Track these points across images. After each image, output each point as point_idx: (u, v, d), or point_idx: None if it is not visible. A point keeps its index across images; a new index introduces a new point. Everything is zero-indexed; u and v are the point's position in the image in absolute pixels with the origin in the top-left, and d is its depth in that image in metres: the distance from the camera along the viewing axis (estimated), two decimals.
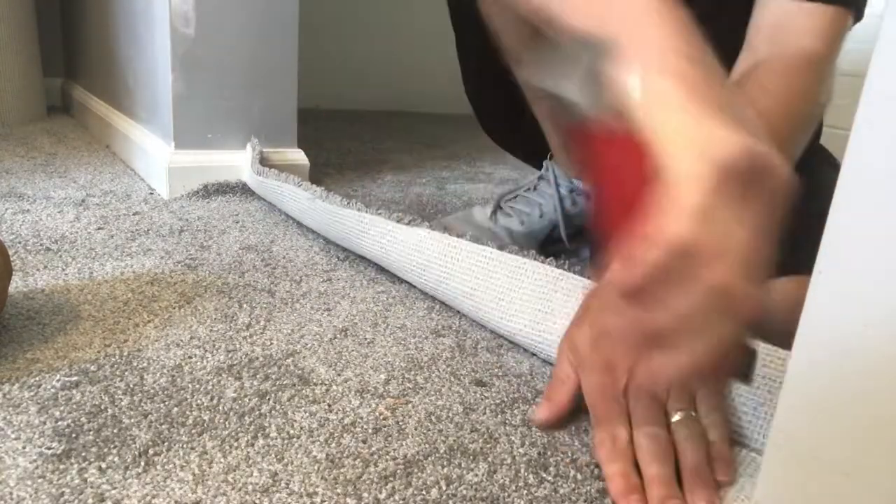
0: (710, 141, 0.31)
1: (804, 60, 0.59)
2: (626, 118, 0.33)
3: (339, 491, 0.41)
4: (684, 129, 0.32)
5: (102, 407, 0.47)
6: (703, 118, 0.32)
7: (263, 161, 1.08)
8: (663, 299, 0.32)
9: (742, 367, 0.43)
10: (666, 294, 0.32)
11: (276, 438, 0.46)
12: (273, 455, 0.44)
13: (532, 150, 0.99)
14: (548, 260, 0.63)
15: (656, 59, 0.34)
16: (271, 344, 0.59)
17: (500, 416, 0.52)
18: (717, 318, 0.33)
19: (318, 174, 1.27)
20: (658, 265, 0.30)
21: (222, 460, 0.43)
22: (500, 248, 0.66)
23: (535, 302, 0.61)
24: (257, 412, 0.49)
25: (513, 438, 0.49)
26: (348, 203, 0.78)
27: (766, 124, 0.57)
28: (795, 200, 0.60)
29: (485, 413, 0.52)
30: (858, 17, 0.62)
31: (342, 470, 0.43)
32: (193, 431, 0.46)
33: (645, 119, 0.33)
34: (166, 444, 0.44)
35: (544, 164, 0.93)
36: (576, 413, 0.53)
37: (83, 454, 0.42)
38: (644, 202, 0.32)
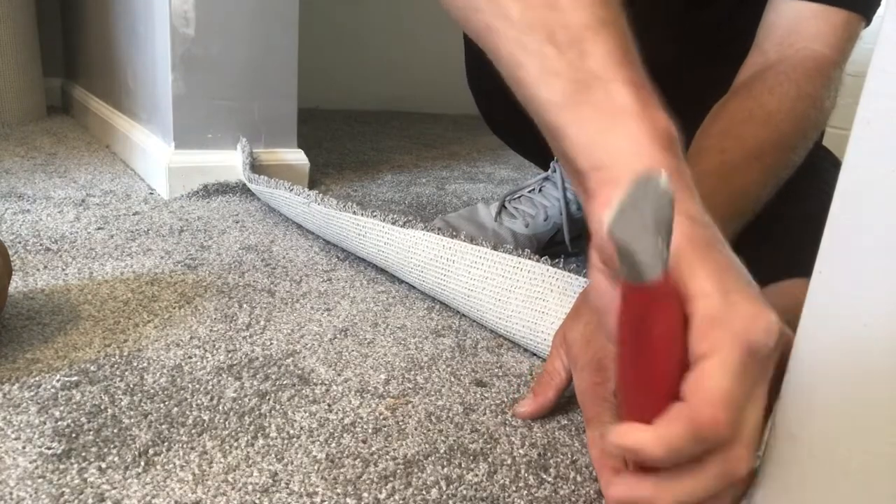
0: (739, 322, 0.30)
1: (813, 65, 0.59)
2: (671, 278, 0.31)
3: (339, 491, 0.41)
4: (712, 302, 0.30)
5: (102, 407, 0.47)
6: (740, 298, 0.31)
7: (256, 162, 1.08)
8: (668, 479, 0.31)
9: None
10: (675, 471, 0.31)
11: (276, 438, 0.46)
12: (273, 455, 0.44)
13: (537, 148, 0.99)
14: (543, 259, 0.63)
15: (689, 233, 0.32)
16: (271, 344, 0.59)
17: (500, 416, 0.52)
18: (720, 499, 0.32)
19: (318, 174, 1.27)
20: (680, 446, 0.29)
21: (222, 460, 0.43)
22: (495, 247, 0.66)
23: (532, 302, 0.61)
24: (257, 412, 0.49)
25: (513, 439, 0.49)
26: (344, 206, 0.78)
27: (770, 127, 0.57)
28: (797, 200, 0.59)
29: (485, 413, 0.52)
30: (868, 21, 0.62)
31: (342, 470, 0.43)
32: (193, 431, 0.46)
33: (683, 287, 0.31)
34: (166, 444, 0.44)
35: (552, 164, 0.93)
36: (575, 413, 0.53)
37: (83, 454, 0.42)
38: (676, 373, 0.30)
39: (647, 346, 0.30)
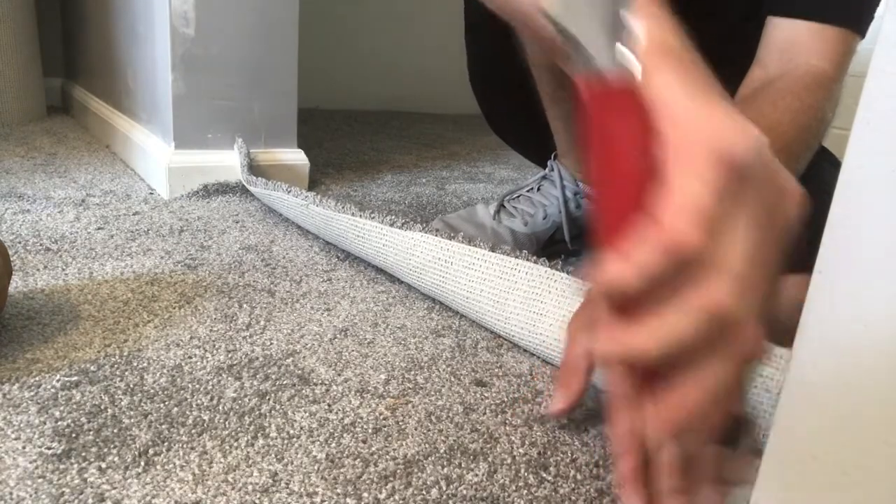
0: (721, 133, 0.27)
1: (813, 79, 0.61)
2: (637, 82, 0.28)
3: (339, 491, 0.41)
4: (692, 113, 0.27)
5: (102, 407, 0.47)
6: (713, 106, 0.28)
7: (256, 162, 1.08)
8: (649, 319, 0.28)
9: (731, 432, 0.37)
10: (654, 311, 0.27)
11: (276, 438, 0.46)
12: (273, 455, 0.44)
13: (536, 147, 0.99)
14: (540, 260, 0.63)
15: (650, 46, 0.29)
16: (271, 344, 0.59)
17: (500, 416, 0.52)
18: (711, 353, 0.28)
19: (318, 174, 1.27)
20: (652, 269, 0.26)
21: (222, 460, 0.43)
22: (492, 248, 0.65)
23: (530, 304, 0.61)
24: (257, 412, 0.49)
25: (513, 438, 0.49)
26: (343, 207, 0.78)
27: (774, 137, 0.58)
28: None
29: (485, 413, 0.52)
30: (862, 36, 0.65)
31: (342, 470, 0.43)
32: (193, 431, 0.46)
33: (650, 93, 0.28)
34: (166, 444, 0.44)
35: (549, 163, 0.93)
36: (575, 412, 0.53)
37: (83, 454, 0.42)
38: (644, 186, 0.27)
39: (613, 155, 0.27)
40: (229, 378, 0.53)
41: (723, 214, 0.27)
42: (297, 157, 1.16)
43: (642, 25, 0.28)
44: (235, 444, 0.45)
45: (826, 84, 0.61)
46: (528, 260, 0.63)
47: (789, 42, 0.63)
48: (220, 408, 0.49)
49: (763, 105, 0.59)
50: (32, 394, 0.48)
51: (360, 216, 0.75)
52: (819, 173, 0.65)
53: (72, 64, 1.70)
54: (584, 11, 0.24)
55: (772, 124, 0.58)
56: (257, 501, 0.40)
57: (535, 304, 0.60)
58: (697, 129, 0.27)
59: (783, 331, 0.52)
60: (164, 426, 0.46)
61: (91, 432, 0.44)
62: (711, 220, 0.26)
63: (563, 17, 0.24)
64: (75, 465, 0.41)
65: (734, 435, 0.40)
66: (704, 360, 0.28)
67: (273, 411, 0.49)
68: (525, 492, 0.43)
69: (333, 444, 0.46)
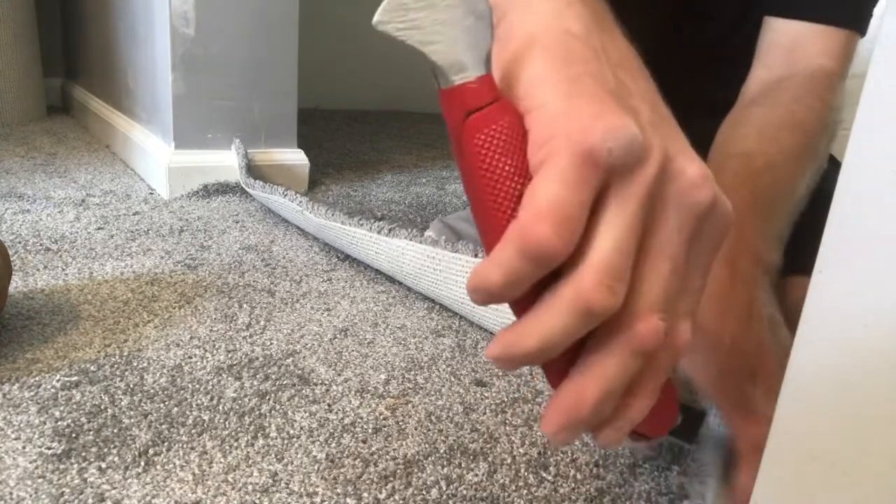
0: (584, 125, 0.25)
1: (825, 77, 0.62)
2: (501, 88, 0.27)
3: (339, 491, 0.41)
4: (558, 107, 0.26)
5: (102, 407, 0.47)
6: (582, 98, 0.26)
7: (256, 162, 1.08)
8: (527, 318, 0.27)
9: (686, 426, 0.38)
10: (533, 308, 0.27)
11: (276, 438, 0.46)
12: (273, 455, 0.44)
13: None
14: None
15: (536, 31, 0.28)
16: (271, 344, 0.59)
17: (500, 416, 0.52)
18: (601, 347, 0.27)
19: (318, 174, 1.27)
20: (514, 269, 0.25)
21: (222, 460, 0.43)
22: (476, 254, 0.65)
23: None
24: (257, 412, 0.49)
25: (513, 438, 0.49)
26: (332, 215, 0.77)
27: (803, 133, 0.58)
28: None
29: (485, 413, 0.52)
30: (863, 35, 0.66)
31: (342, 470, 0.43)
32: (193, 431, 0.46)
33: (512, 89, 0.27)
34: (166, 444, 0.44)
35: None
36: None
37: (83, 454, 0.42)
38: (515, 190, 0.26)
39: (475, 166, 0.26)
40: (229, 378, 0.53)
41: (582, 209, 0.25)
42: (297, 157, 1.16)
43: (544, 38, 0.28)
44: (235, 444, 0.45)
45: (835, 83, 0.62)
46: None
47: (793, 43, 0.63)
48: (220, 408, 0.49)
49: (787, 102, 0.59)
50: (32, 394, 0.48)
51: (350, 224, 0.74)
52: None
53: (72, 64, 1.70)
54: (427, 17, 0.23)
55: (800, 122, 0.58)
56: (257, 501, 0.40)
57: None
58: (561, 124, 0.26)
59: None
60: (164, 426, 0.46)
61: (91, 432, 0.44)
62: (568, 215, 0.25)
63: (398, 27, 0.22)
64: (75, 465, 0.41)
65: (691, 428, 0.41)
66: (594, 354, 0.27)
67: (273, 411, 0.49)
68: (525, 492, 0.43)
69: (333, 444, 0.46)
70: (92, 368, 0.52)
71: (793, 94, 0.60)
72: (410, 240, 0.69)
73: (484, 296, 0.26)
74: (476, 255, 0.65)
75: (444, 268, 0.66)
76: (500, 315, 0.62)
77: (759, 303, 0.47)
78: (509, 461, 0.46)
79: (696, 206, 0.27)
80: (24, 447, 0.42)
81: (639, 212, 0.26)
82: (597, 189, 0.25)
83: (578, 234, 0.25)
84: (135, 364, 0.53)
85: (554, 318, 0.26)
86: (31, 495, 0.38)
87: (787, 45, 0.64)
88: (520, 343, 0.27)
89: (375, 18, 0.22)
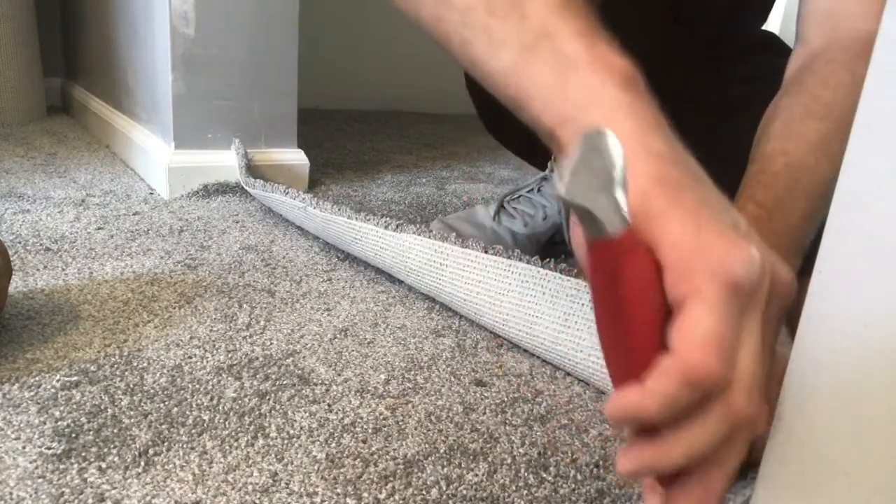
0: (721, 258, 0.28)
1: (862, 45, 0.56)
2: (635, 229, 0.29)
3: (339, 491, 0.41)
4: (691, 242, 0.29)
5: (102, 407, 0.47)
6: (709, 230, 0.29)
7: (255, 162, 1.08)
8: (672, 434, 0.29)
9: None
10: (675, 426, 0.29)
11: (276, 438, 0.46)
12: (273, 455, 0.44)
13: (534, 149, 0.99)
14: (533, 260, 0.62)
15: (637, 164, 0.30)
16: (271, 344, 0.59)
17: (500, 416, 0.52)
18: (731, 446, 0.30)
19: (318, 174, 1.27)
20: (674, 399, 0.27)
21: (222, 460, 0.43)
22: (485, 249, 0.65)
23: (525, 306, 0.60)
24: (257, 412, 0.49)
25: (513, 438, 0.49)
26: (339, 209, 0.77)
27: (831, 119, 0.56)
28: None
29: (485, 413, 0.52)
30: None
31: (342, 470, 0.43)
32: (193, 431, 0.46)
33: (649, 230, 0.29)
34: (166, 444, 0.44)
35: (549, 164, 0.93)
36: (575, 412, 0.53)
37: (83, 454, 0.42)
38: (656, 321, 0.29)
39: (623, 302, 0.29)
40: (229, 378, 0.53)
41: (734, 335, 0.28)
42: (297, 157, 1.16)
43: (642, 163, 0.30)
44: (235, 444, 0.45)
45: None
46: (521, 261, 0.63)
47: (830, 9, 0.59)
48: (220, 408, 0.49)
49: (814, 87, 0.56)
50: (32, 394, 0.48)
51: (356, 219, 0.74)
52: None
53: (72, 64, 1.70)
54: (593, 183, 0.26)
55: (826, 106, 0.55)
56: (257, 501, 0.40)
57: (530, 307, 0.60)
58: (699, 257, 0.28)
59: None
60: (164, 426, 0.46)
61: (91, 432, 0.44)
62: (726, 345, 0.28)
63: (579, 196, 0.26)
64: (75, 465, 0.41)
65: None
66: (721, 453, 0.30)
67: (273, 411, 0.49)
68: (525, 492, 0.43)
69: (333, 444, 0.46)
70: (92, 368, 0.52)
71: (823, 74, 0.56)
72: (417, 235, 0.69)
73: (633, 421, 0.29)
74: (486, 252, 0.64)
75: (451, 263, 0.66)
76: (501, 313, 0.62)
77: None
78: (509, 461, 0.46)
79: (786, 303, 0.31)
80: (24, 447, 0.42)
81: (761, 322, 0.30)
82: (741, 313, 0.29)
83: (735, 359, 0.28)
84: (135, 364, 0.53)
85: (703, 432, 0.29)
86: (31, 495, 0.38)
87: (822, 12, 0.60)
88: (666, 456, 0.29)
89: (558, 192, 0.25)
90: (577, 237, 0.32)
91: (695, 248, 0.28)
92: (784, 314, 0.32)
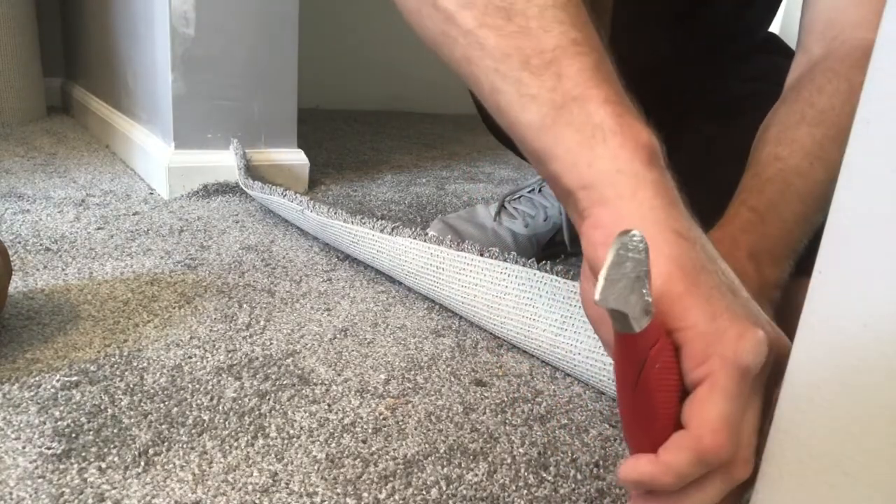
0: (728, 346, 0.31)
1: (860, 53, 0.57)
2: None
3: (339, 491, 0.41)
4: (700, 330, 0.31)
5: (102, 407, 0.47)
6: (717, 318, 0.32)
7: (255, 162, 1.08)
8: (675, 497, 0.33)
9: None
10: (681, 489, 0.32)
11: (276, 438, 0.46)
12: (273, 455, 0.44)
13: None
14: (529, 262, 0.62)
15: (653, 237, 0.33)
16: (271, 344, 0.59)
17: (500, 416, 0.52)
18: (724, 500, 0.34)
19: (318, 174, 1.27)
20: (686, 472, 0.31)
21: (222, 460, 0.43)
22: (481, 252, 0.65)
23: (523, 308, 0.60)
24: (257, 412, 0.49)
25: (513, 438, 0.49)
26: (335, 213, 0.77)
27: (826, 125, 0.56)
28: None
29: (485, 413, 0.52)
30: None
31: (342, 470, 0.43)
32: (193, 431, 0.46)
33: (660, 311, 0.32)
34: (166, 444, 0.44)
35: None
36: (575, 412, 0.53)
37: (83, 454, 0.42)
38: (673, 399, 0.32)
39: (646, 384, 0.32)
40: (229, 378, 0.53)
41: (741, 414, 0.31)
42: (297, 157, 1.16)
43: (663, 242, 0.33)
44: (235, 444, 0.45)
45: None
46: (517, 263, 0.62)
47: (830, 18, 0.60)
48: (220, 408, 0.49)
49: (810, 94, 0.56)
50: (32, 394, 0.48)
51: (352, 222, 0.74)
52: None
53: (72, 64, 1.70)
54: (625, 285, 0.28)
55: (821, 112, 0.55)
56: (257, 501, 0.40)
57: (527, 309, 0.60)
58: (714, 344, 0.31)
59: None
60: (164, 426, 0.46)
61: (91, 432, 0.44)
62: (735, 426, 0.31)
63: (613, 301, 0.28)
64: (75, 465, 0.41)
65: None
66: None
67: (273, 411, 0.49)
68: (525, 492, 0.43)
69: (333, 444, 0.46)
70: (92, 368, 0.52)
71: (819, 81, 0.57)
72: (414, 238, 0.69)
73: (646, 489, 0.32)
74: (482, 255, 0.64)
75: (448, 266, 0.66)
76: (499, 316, 0.62)
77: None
78: (509, 461, 0.46)
79: (782, 368, 0.32)
80: (24, 447, 0.42)
81: (763, 393, 0.33)
82: (749, 392, 0.32)
83: (741, 437, 0.32)
84: (135, 364, 0.53)
85: (706, 494, 0.32)
86: (31, 495, 0.38)
87: (823, 21, 0.60)
88: None
89: (598, 298, 0.27)
90: (587, 295, 0.36)
91: (710, 334, 0.31)
92: (780, 376, 0.35)
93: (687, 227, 0.34)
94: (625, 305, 0.28)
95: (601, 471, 0.46)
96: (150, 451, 0.43)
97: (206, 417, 0.47)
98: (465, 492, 0.42)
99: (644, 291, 0.29)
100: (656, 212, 0.34)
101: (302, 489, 0.41)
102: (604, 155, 0.35)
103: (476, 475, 0.44)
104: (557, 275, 0.60)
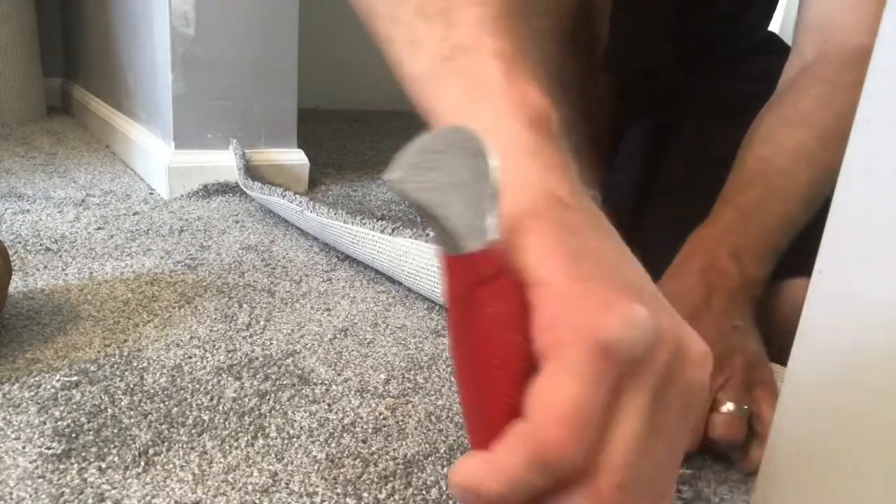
0: (599, 318, 0.23)
1: (851, 56, 0.58)
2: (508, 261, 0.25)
3: (339, 491, 0.41)
4: (566, 291, 0.24)
5: (102, 407, 0.47)
6: (591, 282, 0.24)
7: (255, 162, 1.08)
8: None
9: None
10: None
11: (276, 438, 0.46)
12: (273, 455, 0.44)
13: None
14: None
15: (526, 198, 0.27)
16: (271, 344, 0.59)
17: None
18: None
19: (318, 174, 1.27)
20: (520, 477, 0.22)
21: (222, 460, 0.43)
22: None
23: None
24: (257, 412, 0.49)
25: None
26: (335, 213, 0.77)
27: (809, 126, 0.56)
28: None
29: None
30: None
31: (342, 470, 0.43)
32: (193, 431, 0.46)
33: (521, 264, 0.25)
34: (166, 444, 0.44)
35: None
36: None
37: (83, 454, 0.42)
38: (517, 375, 0.23)
39: (475, 336, 0.24)
40: (229, 378, 0.53)
41: (602, 410, 0.23)
42: (297, 157, 1.16)
43: (538, 204, 0.26)
44: (235, 444, 0.45)
45: (865, 58, 0.60)
46: None
47: (823, 23, 0.60)
48: (220, 408, 0.49)
49: (793, 98, 0.57)
50: (32, 394, 0.48)
51: (352, 223, 0.74)
52: None
53: (72, 64, 1.70)
54: (445, 182, 0.22)
55: (804, 114, 0.56)
56: (257, 501, 0.40)
57: None
58: (572, 312, 0.23)
59: (783, 333, 0.52)
60: (164, 426, 0.46)
61: (91, 432, 0.44)
62: (587, 421, 0.22)
63: (414, 189, 0.21)
64: (75, 465, 0.41)
65: None
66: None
67: (273, 411, 0.49)
68: None
69: (333, 444, 0.46)
70: (92, 368, 0.52)
71: (803, 85, 0.57)
72: (414, 239, 0.69)
73: (473, 499, 0.23)
74: None
75: None
76: None
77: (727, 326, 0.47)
78: None
79: (694, 387, 0.25)
80: (24, 447, 0.42)
81: (652, 402, 0.24)
82: (618, 386, 0.23)
83: (596, 437, 0.23)
84: (135, 364, 0.53)
85: None
86: (31, 495, 0.38)
87: (816, 25, 0.60)
88: None
89: (388, 175, 0.21)
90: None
91: (567, 297, 0.23)
92: (708, 404, 0.28)
93: (568, 192, 0.28)
94: (438, 205, 0.22)
95: None
96: (150, 451, 0.43)
97: (206, 417, 0.47)
98: None
99: (481, 208, 0.22)
100: (529, 174, 0.28)
101: (302, 489, 0.41)
102: (486, 113, 0.30)
103: None
104: None
